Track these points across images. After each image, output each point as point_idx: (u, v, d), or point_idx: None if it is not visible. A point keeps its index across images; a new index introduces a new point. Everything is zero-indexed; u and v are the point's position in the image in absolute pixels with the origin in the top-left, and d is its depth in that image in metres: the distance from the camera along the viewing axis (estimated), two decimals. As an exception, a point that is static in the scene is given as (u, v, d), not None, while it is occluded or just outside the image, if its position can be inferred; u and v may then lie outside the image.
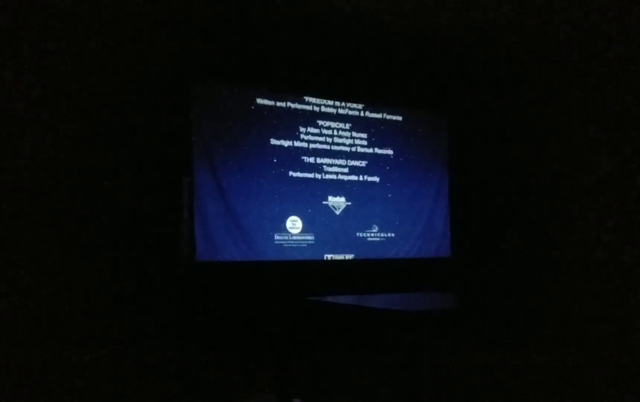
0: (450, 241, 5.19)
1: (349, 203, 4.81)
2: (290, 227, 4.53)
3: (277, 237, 4.47)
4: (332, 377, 2.80)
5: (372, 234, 4.89)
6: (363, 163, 4.91)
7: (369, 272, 4.70)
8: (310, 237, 4.61)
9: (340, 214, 4.77)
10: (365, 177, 4.92)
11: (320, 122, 4.74)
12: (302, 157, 4.65)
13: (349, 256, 4.76)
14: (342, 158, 4.82)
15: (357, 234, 4.83)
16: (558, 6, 3.96)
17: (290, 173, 4.58)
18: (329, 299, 3.55)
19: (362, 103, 4.91)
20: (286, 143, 4.57)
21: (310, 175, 4.68)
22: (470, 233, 5.12)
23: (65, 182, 3.36)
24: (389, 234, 4.97)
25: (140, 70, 3.77)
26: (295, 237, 4.54)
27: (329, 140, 4.78)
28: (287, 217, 4.52)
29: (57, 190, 3.32)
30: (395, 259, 4.91)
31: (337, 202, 4.77)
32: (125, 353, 3.39)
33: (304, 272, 4.45)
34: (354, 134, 4.89)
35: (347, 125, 4.86)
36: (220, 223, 4.21)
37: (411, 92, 5.04)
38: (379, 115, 5.01)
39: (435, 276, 4.90)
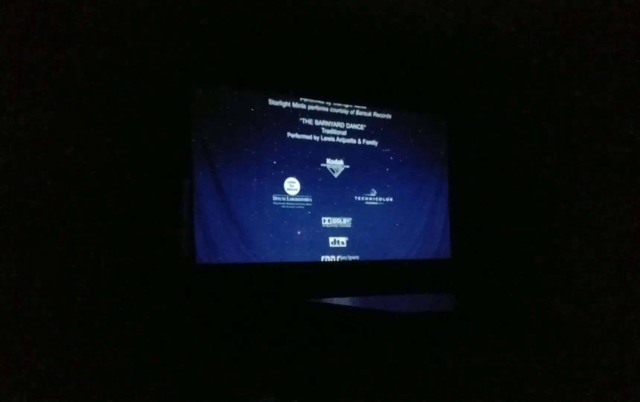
0: (450, 242, 5.18)
1: (347, 166, 4.81)
2: (288, 189, 4.52)
3: (275, 198, 4.46)
4: (332, 378, 2.80)
5: (371, 198, 4.88)
6: (362, 126, 4.91)
7: (369, 273, 4.70)
8: (307, 199, 4.60)
9: (338, 177, 4.76)
10: (364, 140, 4.91)
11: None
12: (301, 119, 4.64)
13: (347, 219, 4.75)
14: (340, 120, 4.81)
15: (356, 197, 4.82)
16: (558, 6, 3.97)
17: (289, 134, 4.58)
18: (330, 300, 3.56)
19: (362, 105, 4.91)
20: (284, 104, 4.57)
21: (309, 137, 4.67)
22: (470, 234, 5.12)
23: (65, 183, 3.37)
24: (388, 199, 4.95)
25: (141, 73, 3.77)
26: (293, 199, 4.54)
27: (328, 102, 4.78)
28: (285, 179, 4.52)
29: (57, 191, 3.33)
30: (395, 260, 4.90)
31: (335, 165, 4.75)
32: (125, 355, 3.39)
33: (304, 273, 4.44)
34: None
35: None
36: (220, 225, 4.21)
37: (411, 94, 5.04)
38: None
39: (435, 277, 4.90)
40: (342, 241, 4.73)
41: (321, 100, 4.72)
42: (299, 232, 4.55)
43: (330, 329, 3.07)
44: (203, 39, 4.08)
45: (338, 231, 4.72)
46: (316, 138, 4.69)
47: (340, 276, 4.59)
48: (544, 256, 4.50)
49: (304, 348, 3.18)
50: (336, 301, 3.62)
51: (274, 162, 4.49)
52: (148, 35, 3.80)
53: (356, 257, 4.77)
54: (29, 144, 3.23)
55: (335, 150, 4.76)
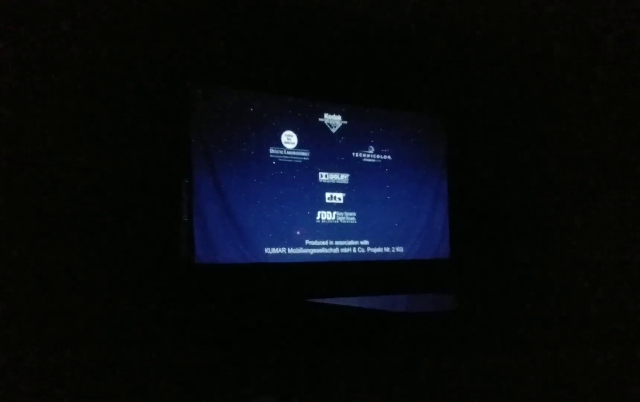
0: (450, 242, 5.18)
1: (345, 122, 4.80)
2: (286, 142, 4.51)
3: (272, 151, 4.46)
4: (331, 378, 2.80)
5: (368, 155, 4.88)
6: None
7: (368, 273, 4.70)
8: (305, 154, 4.59)
9: (336, 132, 4.76)
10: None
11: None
12: None
13: (344, 176, 4.74)
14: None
15: (353, 153, 4.82)
16: (557, 6, 3.97)
17: None
18: (328, 300, 3.56)
19: (362, 106, 4.91)
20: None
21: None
22: (470, 234, 5.12)
23: (64, 184, 3.36)
24: (385, 157, 4.95)
25: (140, 73, 3.77)
26: (290, 153, 4.53)
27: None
28: (283, 132, 4.52)
29: (56, 192, 3.32)
30: (394, 260, 4.90)
31: (333, 120, 4.75)
32: (125, 355, 3.39)
33: (303, 274, 4.44)
34: None
35: None
36: (220, 225, 4.19)
37: (410, 94, 5.05)
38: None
39: (434, 277, 4.90)
40: (339, 197, 4.72)
41: (320, 99, 4.72)
42: (298, 232, 4.55)
43: (329, 329, 3.07)
44: (202, 39, 4.08)
45: (335, 187, 4.71)
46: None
47: (340, 276, 4.59)
48: (544, 255, 4.50)
49: (304, 348, 3.18)
50: (335, 301, 3.61)
51: (272, 116, 4.46)
52: (147, 35, 3.80)
53: (353, 214, 4.76)
54: (29, 144, 3.22)
55: (334, 105, 4.76)
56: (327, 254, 4.64)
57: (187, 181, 4.09)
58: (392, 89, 4.97)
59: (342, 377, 2.67)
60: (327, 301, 3.60)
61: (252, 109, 4.42)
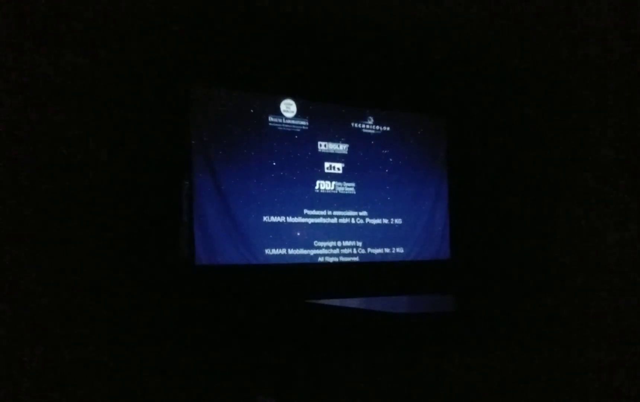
0: (450, 243, 5.18)
1: None
2: (285, 110, 4.53)
3: (271, 119, 4.47)
4: (332, 379, 2.80)
5: (368, 126, 4.90)
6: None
7: (368, 274, 4.70)
8: (304, 123, 4.61)
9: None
10: None
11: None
12: None
13: (344, 145, 4.76)
14: None
15: (352, 124, 4.85)
16: (557, 7, 3.98)
17: None
18: (329, 302, 3.56)
19: (362, 107, 4.92)
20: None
21: None
22: (470, 235, 5.12)
23: (64, 184, 3.36)
24: (385, 128, 4.97)
25: (140, 73, 3.77)
26: (289, 121, 4.55)
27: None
28: (282, 100, 4.53)
29: (56, 192, 3.32)
30: (394, 261, 4.90)
31: None
32: (125, 356, 3.39)
33: (303, 275, 4.44)
34: None
35: None
36: (220, 226, 4.21)
37: (410, 95, 5.05)
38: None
39: (434, 278, 4.90)
40: (338, 167, 4.74)
41: (321, 101, 4.72)
42: (298, 234, 4.55)
43: (329, 330, 3.08)
44: (202, 40, 4.08)
45: (334, 157, 4.73)
46: None
47: (340, 277, 4.59)
48: (544, 256, 4.50)
49: (304, 349, 3.18)
50: (335, 302, 3.62)
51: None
52: (147, 36, 3.80)
53: (352, 184, 4.77)
54: (28, 145, 3.23)
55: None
56: (326, 223, 4.64)
57: (187, 182, 4.10)
58: (393, 90, 4.97)
59: (342, 378, 2.67)
60: (327, 302, 3.61)
61: (252, 111, 4.43)
